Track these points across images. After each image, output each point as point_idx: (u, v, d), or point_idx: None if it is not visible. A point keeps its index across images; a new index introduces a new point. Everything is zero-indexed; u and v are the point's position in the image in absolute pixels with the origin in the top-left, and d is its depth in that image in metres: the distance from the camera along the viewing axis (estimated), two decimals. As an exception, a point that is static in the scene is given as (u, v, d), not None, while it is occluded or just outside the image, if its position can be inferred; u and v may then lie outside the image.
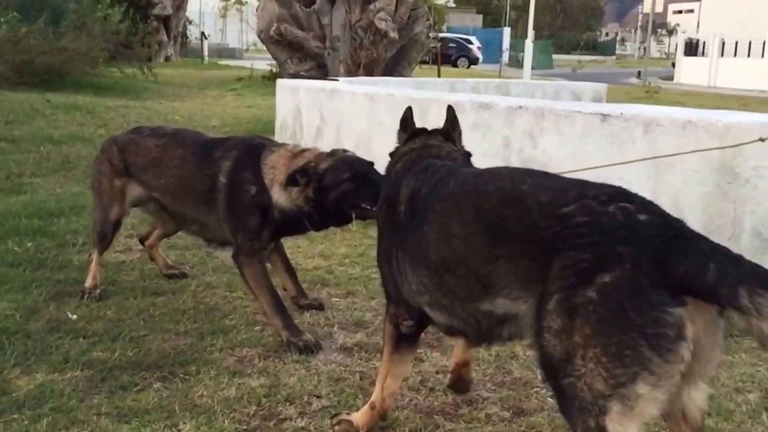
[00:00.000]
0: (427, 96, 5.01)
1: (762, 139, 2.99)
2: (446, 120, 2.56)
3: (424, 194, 2.14)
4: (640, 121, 3.88)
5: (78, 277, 3.74)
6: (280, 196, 3.06)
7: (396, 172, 2.42)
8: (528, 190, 1.84)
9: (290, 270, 3.58)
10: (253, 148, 3.19)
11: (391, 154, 2.55)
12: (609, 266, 1.60)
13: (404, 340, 2.35)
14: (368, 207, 2.92)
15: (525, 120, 4.34)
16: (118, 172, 3.56)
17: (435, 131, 2.55)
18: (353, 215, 3.00)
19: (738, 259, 1.56)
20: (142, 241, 4.07)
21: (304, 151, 3.17)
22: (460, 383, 2.66)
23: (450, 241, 1.96)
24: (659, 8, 29.75)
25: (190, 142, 3.43)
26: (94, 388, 2.64)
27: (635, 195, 1.76)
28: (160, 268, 3.95)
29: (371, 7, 13.39)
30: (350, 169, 2.99)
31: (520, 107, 4.38)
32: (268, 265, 3.40)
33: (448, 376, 2.70)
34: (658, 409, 1.62)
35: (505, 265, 1.80)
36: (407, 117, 2.54)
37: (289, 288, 3.53)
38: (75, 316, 3.28)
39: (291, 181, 2.99)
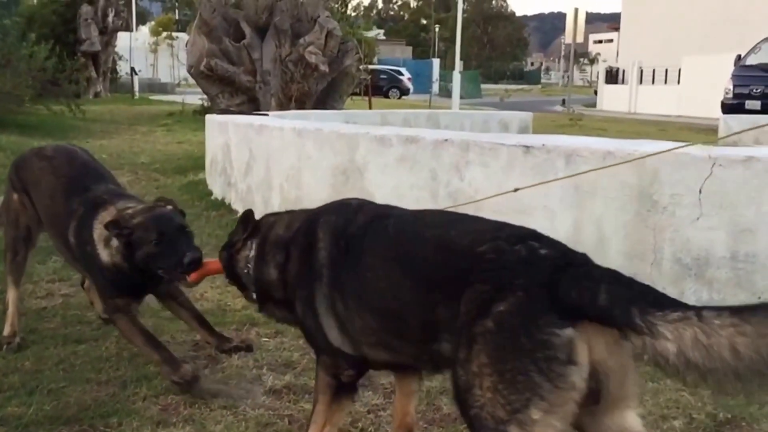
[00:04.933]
0: (355, 131, 5.02)
1: (516, 190, 3.13)
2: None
3: (356, 234, 2.14)
4: (562, 153, 3.98)
5: (-7, 325, 3.58)
6: (102, 252, 2.99)
7: (284, 231, 2.41)
8: (455, 235, 1.94)
9: (201, 321, 3.44)
10: (94, 206, 3.10)
11: (232, 248, 2.54)
12: (504, 296, 1.68)
13: (344, 389, 2.32)
14: (172, 271, 2.87)
15: (451, 153, 4.39)
16: (15, 188, 3.48)
17: None
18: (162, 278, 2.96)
19: (629, 282, 1.64)
20: (82, 284, 3.95)
21: (128, 209, 3.03)
22: None
23: (396, 290, 1.99)
24: (580, 38, 30.73)
25: (62, 173, 3.30)
26: (8, 447, 2.52)
27: (546, 237, 1.86)
28: (99, 312, 3.81)
29: (301, 41, 13.43)
30: (158, 229, 2.88)
31: (446, 140, 4.43)
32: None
33: None
34: None
35: (443, 311, 1.84)
36: (248, 215, 2.54)
37: (209, 340, 3.43)
38: (-11, 369, 3.13)
39: (105, 229, 2.91)
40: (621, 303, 1.56)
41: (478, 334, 1.69)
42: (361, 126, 5.44)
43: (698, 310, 1.51)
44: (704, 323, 1.47)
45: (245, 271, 2.49)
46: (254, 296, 2.52)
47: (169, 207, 3.05)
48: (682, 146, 3.44)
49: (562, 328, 1.60)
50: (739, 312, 1.47)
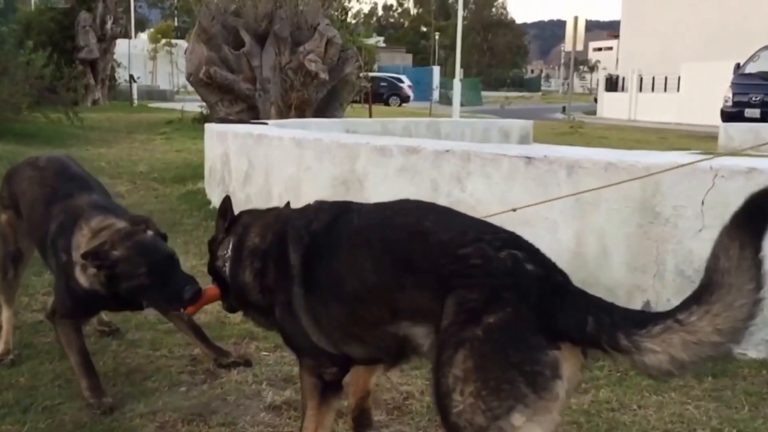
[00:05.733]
0: (355, 141, 4.99)
1: (514, 210, 3.13)
2: (286, 206, 2.68)
3: (320, 231, 2.24)
4: (564, 164, 3.94)
5: (-12, 342, 3.53)
6: (80, 275, 2.91)
7: (260, 238, 2.44)
8: (431, 227, 2.00)
9: (199, 333, 3.40)
10: (74, 218, 3.01)
11: (214, 242, 2.59)
12: (494, 309, 1.75)
13: (330, 388, 2.35)
14: (165, 303, 2.86)
15: (452, 163, 4.36)
16: (5, 204, 3.43)
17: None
18: (144, 304, 2.93)
19: (611, 308, 1.76)
20: None
21: (104, 228, 2.93)
22: (362, 417, 2.68)
23: (362, 273, 2.07)
24: (580, 47, 30.81)
25: (48, 183, 3.25)
26: (2, 467, 2.47)
27: (526, 242, 1.94)
28: (95, 326, 3.76)
29: (301, 49, 13.41)
30: (146, 261, 2.77)
31: (447, 151, 4.40)
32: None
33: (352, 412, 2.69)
34: None
35: (410, 293, 1.94)
36: (227, 206, 2.58)
37: (207, 353, 3.38)
38: (-17, 386, 3.08)
39: (84, 259, 2.83)
40: (607, 329, 1.69)
41: (465, 339, 1.75)
42: (361, 136, 5.41)
43: (674, 317, 1.63)
44: (685, 325, 1.61)
45: (223, 269, 2.52)
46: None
47: (150, 233, 2.92)
48: (690, 163, 3.41)
49: (549, 350, 1.71)
50: (700, 298, 1.62)
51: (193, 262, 4.77)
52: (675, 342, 1.61)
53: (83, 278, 2.90)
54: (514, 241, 1.92)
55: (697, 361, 1.63)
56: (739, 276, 1.58)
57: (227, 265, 2.49)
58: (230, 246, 2.51)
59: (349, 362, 2.32)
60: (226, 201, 2.60)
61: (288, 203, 2.73)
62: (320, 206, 2.39)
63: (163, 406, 2.94)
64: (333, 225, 2.23)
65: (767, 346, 3.51)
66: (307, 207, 2.44)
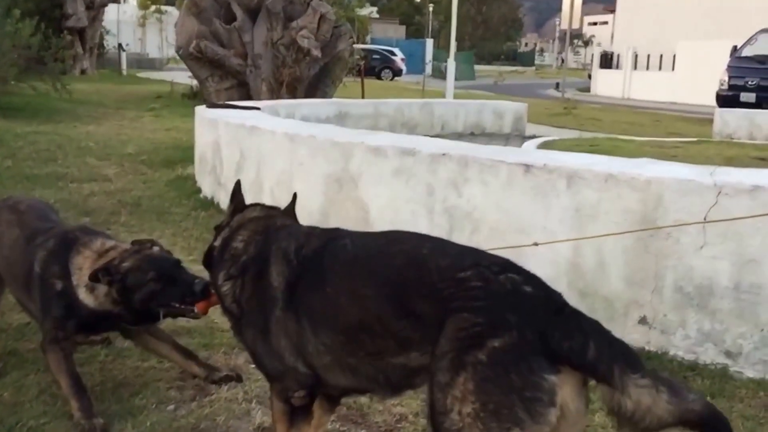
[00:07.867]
0: (349, 139, 4.87)
1: (536, 244, 3.08)
2: (291, 202, 2.66)
3: (310, 256, 2.19)
4: (563, 173, 3.85)
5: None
6: (86, 297, 2.93)
7: (244, 245, 2.40)
8: (428, 254, 2.00)
9: (184, 352, 3.33)
10: (67, 243, 3.04)
11: (220, 228, 2.56)
12: (499, 332, 1.75)
13: (299, 413, 2.33)
14: (177, 305, 2.89)
15: (449, 168, 4.26)
16: None
17: (275, 207, 2.64)
18: (161, 314, 2.95)
19: (612, 340, 1.78)
20: None
21: (109, 250, 3.02)
22: None
23: (363, 302, 2.02)
24: (576, 24, 30.51)
25: (26, 226, 3.25)
26: (-16, 497, 2.40)
27: (521, 268, 1.94)
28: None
29: (293, 24, 13.18)
30: (154, 268, 2.89)
31: (444, 154, 4.29)
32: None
33: None
34: None
35: (415, 322, 1.91)
36: (235, 192, 2.60)
37: (197, 372, 3.30)
38: (-33, 403, 3.00)
39: (93, 278, 2.88)
40: (606, 360, 1.72)
41: (468, 363, 1.75)
42: (356, 134, 5.27)
43: (655, 381, 1.70)
44: (657, 395, 1.68)
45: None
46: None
47: (156, 248, 3.02)
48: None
49: (550, 374, 1.72)
50: (672, 389, 1.70)
51: (180, 257, 4.64)
52: (644, 402, 1.68)
53: (91, 299, 2.92)
54: (510, 266, 1.93)
55: (638, 426, 1.71)
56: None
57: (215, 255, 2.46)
58: (220, 238, 2.47)
59: (317, 387, 2.27)
60: (236, 186, 2.61)
61: (294, 199, 2.66)
62: (311, 231, 2.37)
63: (151, 427, 2.87)
64: (325, 250, 2.18)
65: (765, 366, 3.48)
66: (299, 228, 2.42)
